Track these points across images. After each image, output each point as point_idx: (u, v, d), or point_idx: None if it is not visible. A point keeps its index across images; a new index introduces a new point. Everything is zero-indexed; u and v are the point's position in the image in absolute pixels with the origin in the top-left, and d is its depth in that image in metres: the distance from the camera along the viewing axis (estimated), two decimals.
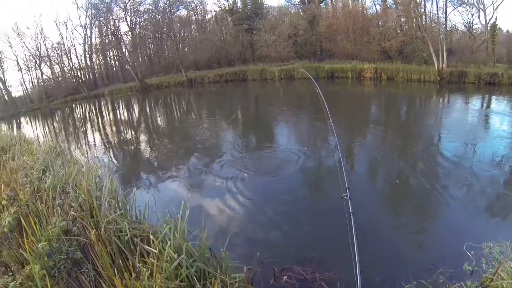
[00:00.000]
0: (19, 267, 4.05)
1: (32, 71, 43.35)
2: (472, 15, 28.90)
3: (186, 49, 41.96)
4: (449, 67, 24.24)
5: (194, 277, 3.85)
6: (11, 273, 3.98)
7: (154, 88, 36.94)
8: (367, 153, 11.60)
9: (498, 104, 18.40)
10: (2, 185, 6.41)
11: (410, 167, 10.60)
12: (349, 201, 4.60)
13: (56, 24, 47.58)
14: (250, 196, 8.75)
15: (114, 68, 46.95)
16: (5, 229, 4.75)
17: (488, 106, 17.87)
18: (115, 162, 12.73)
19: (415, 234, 7.11)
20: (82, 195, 5.20)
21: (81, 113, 31.27)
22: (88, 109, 32.95)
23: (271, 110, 20.11)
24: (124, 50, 41.26)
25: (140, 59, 43.92)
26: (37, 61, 41.77)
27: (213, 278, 3.92)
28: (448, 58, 24.48)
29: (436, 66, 24.29)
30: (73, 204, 5.07)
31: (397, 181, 9.49)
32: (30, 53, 41.54)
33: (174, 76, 38.35)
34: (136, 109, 28.65)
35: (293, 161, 10.89)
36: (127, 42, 42.01)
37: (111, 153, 14.17)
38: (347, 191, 4.84)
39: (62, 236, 4.37)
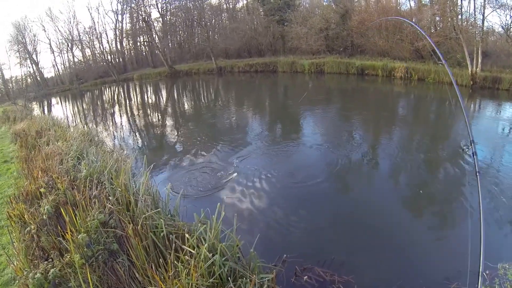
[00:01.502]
0: (57, 253, 4.30)
1: (64, 54, 45.04)
2: (511, 17, 27.48)
3: (216, 37, 42.06)
4: (483, 71, 23.00)
5: (227, 277, 4.05)
6: (50, 259, 4.24)
7: (183, 74, 37.38)
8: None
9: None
10: (40, 171, 6.72)
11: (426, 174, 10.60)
12: (474, 156, 4.08)
13: (88, 9, 49.75)
14: (278, 192, 8.96)
15: (144, 53, 47.81)
16: (44, 216, 5.01)
17: None
18: (143, 149, 13.07)
19: (435, 243, 7.19)
20: (119, 189, 5.43)
21: (110, 96, 32.10)
22: (117, 92, 33.75)
23: (300, 103, 20.08)
24: (154, 36, 41.89)
25: (170, 45, 44.40)
26: (69, 45, 43.24)
27: (244, 278, 4.08)
28: (482, 61, 23.27)
29: (470, 69, 23.15)
30: (110, 198, 5.30)
31: (421, 191, 9.42)
32: (63, 36, 43.17)
33: (204, 64, 38.64)
34: (164, 94, 29.09)
35: (317, 157, 11.12)
36: (157, 28, 42.61)
37: (139, 139, 14.58)
38: (472, 144, 4.30)
39: (100, 228, 4.61)
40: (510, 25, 27.31)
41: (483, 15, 25.40)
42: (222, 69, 35.54)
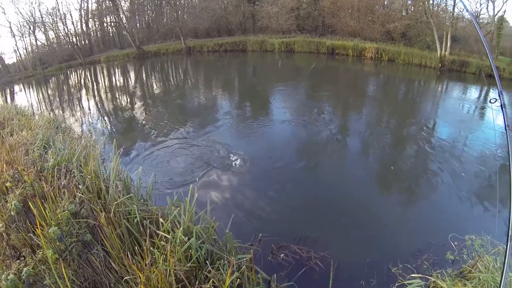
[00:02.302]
0: (29, 250, 4.16)
1: (26, 37, 42.05)
2: (481, 5, 28.29)
3: (185, 17, 40.87)
4: (451, 55, 24.03)
5: (205, 260, 4.06)
6: (22, 258, 4.08)
7: (152, 55, 36.29)
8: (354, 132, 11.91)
9: (495, 97, 18.37)
10: (4, 164, 6.38)
11: (397, 150, 10.94)
12: (503, 109, 3.54)
13: None
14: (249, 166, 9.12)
15: (110, 34, 45.72)
16: (12, 212, 4.80)
17: (485, 99, 17.97)
18: (113, 133, 12.71)
19: (406, 217, 7.49)
20: (89, 176, 5.25)
21: (77, 80, 30.79)
22: (83, 75, 32.43)
23: (269, 81, 20.06)
24: (121, 16, 40.15)
25: (138, 25, 42.76)
26: (31, 27, 40.47)
27: (221, 260, 4.11)
28: (451, 45, 24.26)
29: (439, 52, 24.16)
30: (79, 186, 5.12)
31: (392, 167, 9.74)
32: (24, 19, 40.25)
33: (173, 44, 37.64)
34: (133, 76, 28.29)
35: (288, 135, 11.28)
36: (125, 8, 40.79)
37: (108, 124, 14.16)
38: (500, 96, 3.64)
39: (71, 219, 4.46)
40: (479, 12, 28.19)
41: (454, 1, 26.11)
42: (191, 49, 34.82)
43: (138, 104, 17.12)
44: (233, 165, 9.20)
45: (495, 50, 24.61)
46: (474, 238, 6.41)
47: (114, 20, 42.68)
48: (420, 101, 17.61)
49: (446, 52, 24.05)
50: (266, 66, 26.56)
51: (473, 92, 19.27)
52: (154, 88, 21.40)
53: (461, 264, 5.62)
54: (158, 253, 3.76)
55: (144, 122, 13.55)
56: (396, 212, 7.67)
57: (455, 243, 6.09)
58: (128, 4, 40.72)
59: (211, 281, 3.63)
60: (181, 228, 4.11)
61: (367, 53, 26.12)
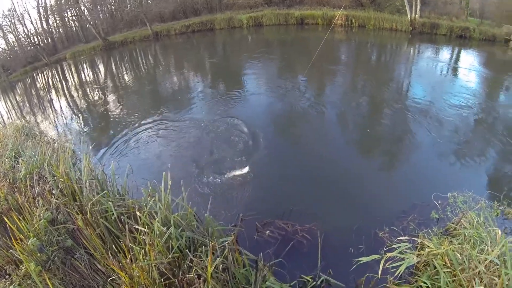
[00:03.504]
0: (13, 267, 4.07)
1: None
2: None
3: (149, 1, 39.47)
4: (422, 18, 24.23)
5: (187, 248, 4.05)
6: (7, 276, 4.00)
7: (119, 45, 35.15)
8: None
9: (466, 57, 19.01)
10: None
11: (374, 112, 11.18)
12: None
13: None
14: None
15: (74, 29, 43.85)
16: None
17: (457, 59, 18.37)
18: (87, 130, 12.43)
19: (388, 181, 7.67)
20: (61, 180, 5.12)
21: (44, 81, 29.67)
22: (50, 76, 31.29)
23: (240, 58, 19.82)
24: (82, 8, 38.50)
25: (101, 16, 41.09)
26: None
27: (204, 245, 4.10)
28: (421, 8, 24.31)
29: (409, 16, 24.29)
30: (53, 191, 5.00)
31: (368, 130, 9.87)
32: None
33: (139, 31, 36.45)
34: (102, 69, 27.49)
35: (263, 107, 11.33)
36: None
37: (82, 122, 13.78)
38: None
39: (49, 227, 4.36)
40: None
41: None
42: (158, 34, 33.90)
43: (110, 97, 16.72)
44: (206, 142, 9.25)
45: (464, 12, 24.94)
46: (456, 195, 6.65)
47: (75, 14, 40.85)
48: (393, 64, 17.79)
49: (416, 15, 24.17)
50: (236, 43, 26.18)
51: (445, 53, 19.58)
52: (126, 79, 20.87)
53: (446, 222, 5.87)
54: (138, 248, 3.72)
55: (118, 114, 13.26)
56: (378, 176, 7.84)
57: (439, 202, 6.32)
58: None
59: (193, 270, 3.62)
60: (157, 219, 4.06)
61: (337, 21, 25.88)
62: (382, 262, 4.24)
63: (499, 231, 4.28)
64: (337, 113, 10.97)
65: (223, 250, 4.02)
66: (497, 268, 3.92)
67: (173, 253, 3.86)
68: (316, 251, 5.23)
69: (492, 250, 4.02)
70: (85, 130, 12.34)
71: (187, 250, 3.94)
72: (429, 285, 4.22)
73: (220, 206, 6.76)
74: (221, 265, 3.80)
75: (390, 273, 4.45)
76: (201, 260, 3.77)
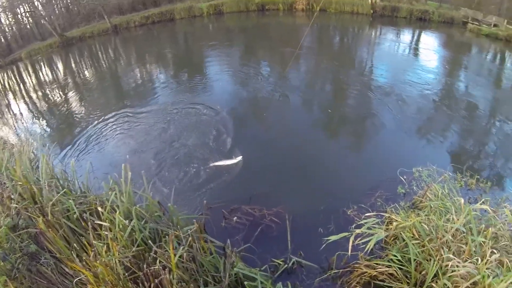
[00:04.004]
0: None
1: None
2: None
3: None
4: (382, 1, 24.90)
5: (152, 239, 4.08)
6: None
7: (77, 40, 33.66)
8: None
9: (426, 38, 19.90)
10: None
11: (340, 94, 11.50)
12: None
13: None
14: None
15: (28, 26, 41.60)
16: None
17: (417, 40, 19.12)
18: (49, 131, 12.06)
19: (354, 159, 8.00)
20: (20, 183, 4.99)
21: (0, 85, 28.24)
22: (6, 78, 29.73)
23: (201, 48, 19.60)
24: (36, 3, 36.53)
25: (56, 10, 39.15)
26: None
27: (167, 236, 4.11)
28: None
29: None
30: (12, 196, 4.86)
31: (330, 110, 10.22)
32: None
33: (97, 25, 34.99)
34: (61, 67, 26.42)
35: (226, 94, 11.44)
36: None
37: (42, 123, 13.31)
38: None
39: (11, 233, 4.26)
40: None
41: None
42: (118, 27, 32.70)
43: (71, 95, 16.13)
44: (173, 136, 9.20)
45: None
46: (421, 169, 7.05)
47: (28, 10, 38.77)
48: (356, 47, 18.20)
49: None
50: (197, 32, 25.88)
51: (406, 35, 20.31)
52: (86, 75, 20.16)
53: (412, 196, 6.19)
54: (101, 244, 3.73)
55: (80, 112, 12.94)
56: (343, 156, 8.12)
57: (404, 177, 6.68)
58: None
59: (158, 261, 3.67)
60: (118, 212, 4.06)
61: (297, 5, 26.15)
62: (352, 239, 4.41)
63: (463, 200, 4.52)
64: (301, 97, 11.17)
65: (188, 239, 4.07)
66: (464, 236, 4.16)
67: (137, 246, 3.88)
68: (285, 234, 5.39)
69: (458, 219, 4.24)
70: (46, 131, 11.95)
71: (151, 242, 3.96)
72: (400, 258, 4.41)
73: (185, 195, 6.84)
74: (185, 254, 3.83)
75: (361, 249, 4.63)
76: (165, 251, 3.81)
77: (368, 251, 4.65)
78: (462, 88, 12.04)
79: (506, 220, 4.57)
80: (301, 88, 11.78)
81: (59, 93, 17.51)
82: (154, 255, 3.78)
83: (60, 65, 27.15)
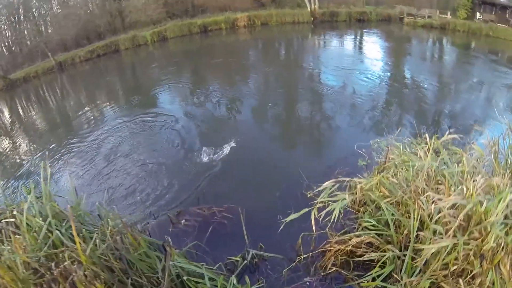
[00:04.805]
0: None
1: None
2: None
3: (50, 30, 37.01)
4: (321, 8, 26.11)
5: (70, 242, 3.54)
6: None
7: (22, 82, 32.25)
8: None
9: (368, 36, 21.28)
10: None
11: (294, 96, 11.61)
12: None
13: None
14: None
15: None
16: None
17: (360, 39, 20.34)
18: None
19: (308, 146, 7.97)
20: None
21: None
22: None
23: (148, 76, 19.23)
24: None
25: None
26: None
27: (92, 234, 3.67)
28: (320, 1, 26.16)
29: (309, 8, 25.94)
30: None
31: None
32: None
33: (42, 64, 33.66)
34: (6, 113, 24.91)
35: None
36: None
37: None
38: None
39: None
40: None
41: None
42: (63, 64, 31.67)
43: (17, 140, 14.83)
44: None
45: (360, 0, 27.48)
46: (379, 141, 7.12)
47: None
48: (302, 53, 18.73)
49: (316, 6, 25.92)
50: (143, 61, 25.46)
51: (348, 36, 21.56)
52: (33, 118, 19.00)
53: (373, 166, 5.99)
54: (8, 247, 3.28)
55: (26, 154, 11.69)
56: (297, 145, 8.24)
57: (363, 150, 6.40)
58: None
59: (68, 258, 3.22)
60: (34, 213, 3.67)
61: (239, 23, 26.68)
62: (314, 213, 4.10)
63: (427, 147, 4.22)
64: (253, 110, 11.04)
65: (112, 235, 3.63)
66: (439, 176, 3.87)
67: (54, 248, 3.44)
68: (241, 229, 4.86)
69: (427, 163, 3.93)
70: None
71: (72, 243, 3.45)
72: (375, 223, 4.08)
73: (126, 201, 6.64)
74: (109, 253, 3.40)
75: (329, 227, 4.34)
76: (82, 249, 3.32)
77: (336, 224, 4.31)
78: (408, 72, 12.92)
79: (477, 157, 4.14)
80: (252, 102, 11.65)
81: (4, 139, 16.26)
82: (70, 253, 3.29)
83: (5, 112, 25.56)
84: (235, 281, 3.75)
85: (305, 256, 4.47)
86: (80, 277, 2.99)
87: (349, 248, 4.13)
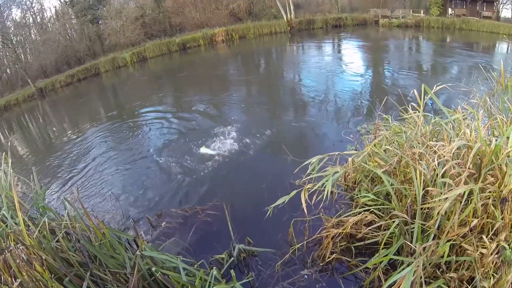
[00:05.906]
0: None
1: None
2: None
3: (28, 57, 36.55)
4: (297, 18, 26.71)
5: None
6: None
7: (2, 111, 31.66)
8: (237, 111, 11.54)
9: (345, 40, 21.64)
10: None
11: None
12: None
13: None
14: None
15: None
16: None
17: (338, 43, 20.68)
18: None
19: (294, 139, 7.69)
20: None
21: None
22: None
23: (130, 98, 18.39)
24: None
25: None
26: None
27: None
28: (296, 11, 26.84)
29: (285, 18, 26.47)
30: None
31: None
32: None
33: (22, 91, 33.07)
34: None
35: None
36: None
37: None
38: None
39: None
40: None
41: None
42: (43, 90, 31.09)
43: None
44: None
45: (335, 7, 28.61)
46: (366, 126, 6.97)
47: None
48: (282, 62, 18.74)
49: (292, 16, 26.46)
50: (123, 83, 24.91)
51: (326, 42, 21.82)
52: (20, 151, 18.20)
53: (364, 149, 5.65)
54: None
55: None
56: (284, 139, 7.69)
57: (351, 136, 6.25)
58: None
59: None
60: None
61: (217, 38, 27.02)
62: (304, 193, 3.67)
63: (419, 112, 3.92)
64: (238, 124, 10.53)
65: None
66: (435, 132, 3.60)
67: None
68: (225, 224, 4.34)
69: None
70: None
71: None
72: (374, 197, 3.67)
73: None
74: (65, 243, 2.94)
75: (323, 212, 4.02)
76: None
77: (331, 209, 4.12)
78: (388, 68, 13.16)
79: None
80: (235, 117, 11.05)
81: None
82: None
83: None
84: (215, 273, 3.31)
85: (299, 246, 4.01)
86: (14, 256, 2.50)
87: (347, 231, 3.67)
